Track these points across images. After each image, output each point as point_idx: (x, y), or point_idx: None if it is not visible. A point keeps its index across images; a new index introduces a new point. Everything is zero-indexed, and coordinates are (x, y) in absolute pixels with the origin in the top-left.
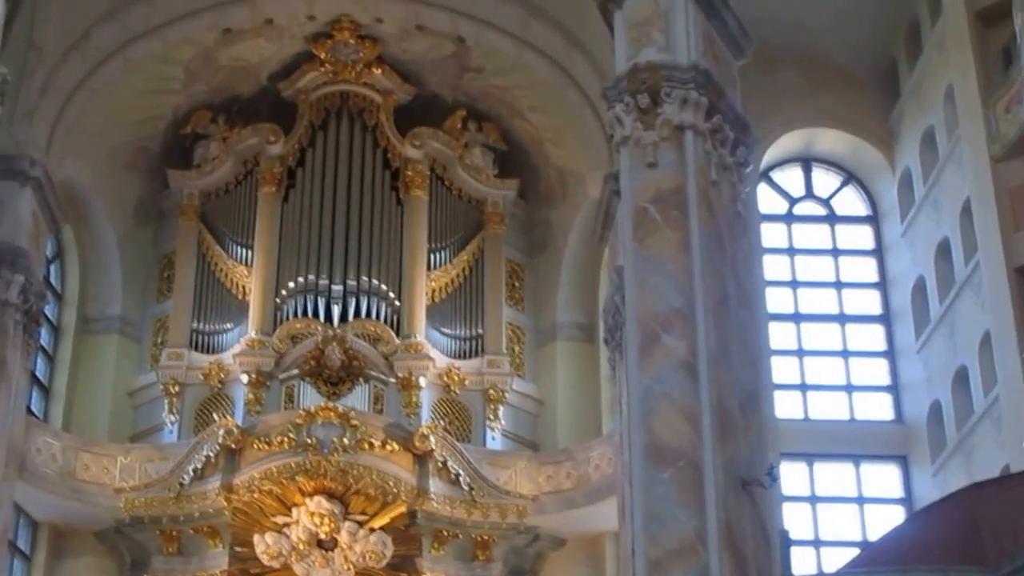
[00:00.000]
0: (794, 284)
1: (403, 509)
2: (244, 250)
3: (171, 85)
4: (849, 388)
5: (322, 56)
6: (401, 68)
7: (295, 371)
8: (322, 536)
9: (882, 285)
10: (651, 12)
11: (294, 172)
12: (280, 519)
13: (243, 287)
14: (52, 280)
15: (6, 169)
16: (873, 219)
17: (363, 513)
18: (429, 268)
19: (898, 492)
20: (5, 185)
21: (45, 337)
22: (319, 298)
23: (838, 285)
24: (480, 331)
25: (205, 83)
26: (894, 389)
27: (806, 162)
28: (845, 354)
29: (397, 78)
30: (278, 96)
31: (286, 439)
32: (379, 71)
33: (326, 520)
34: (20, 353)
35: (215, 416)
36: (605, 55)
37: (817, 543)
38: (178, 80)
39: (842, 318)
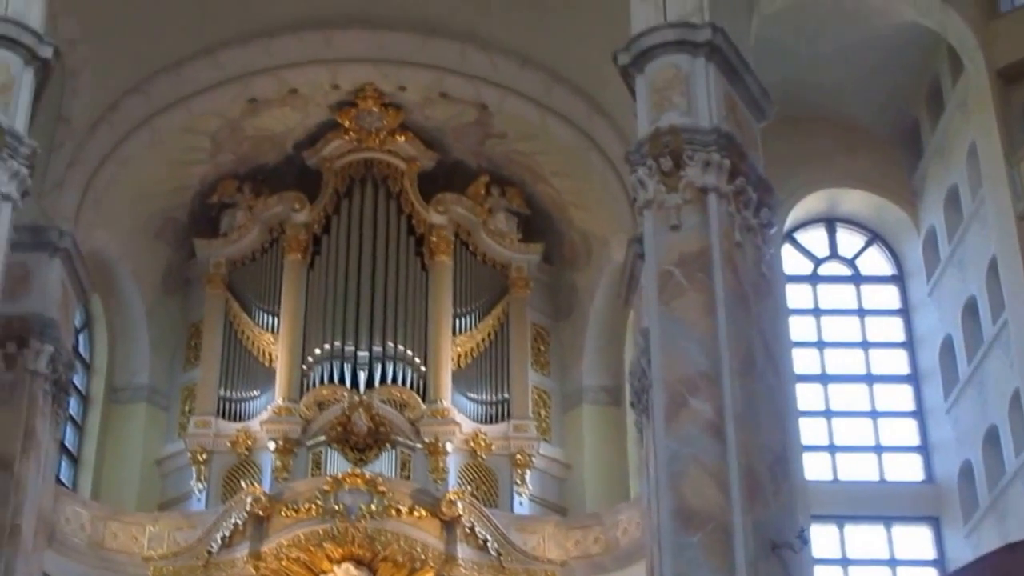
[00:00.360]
0: (820, 345)
1: None
2: (271, 317)
3: (198, 155)
4: (878, 449)
5: (346, 124)
6: (425, 135)
7: (322, 438)
8: None
9: (909, 345)
10: (672, 76)
11: (319, 239)
12: None
13: (270, 354)
14: (81, 350)
15: (36, 240)
16: (899, 279)
17: None
18: (454, 333)
19: (930, 554)
20: (35, 256)
21: (74, 406)
22: (345, 364)
23: (865, 345)
24: (506, 396)
25: (231, 152)
26: (924, 449)
27: (830, 222)
28: (874, 415)
29: (421, 145)
30: (303, 164)
31: (314, 506)
32: (403, 138)
33: None
34: (49, 423)
35: (243, 483)
36: (627, 119)
37: None
38: (204, 150)
39: (870, 378)
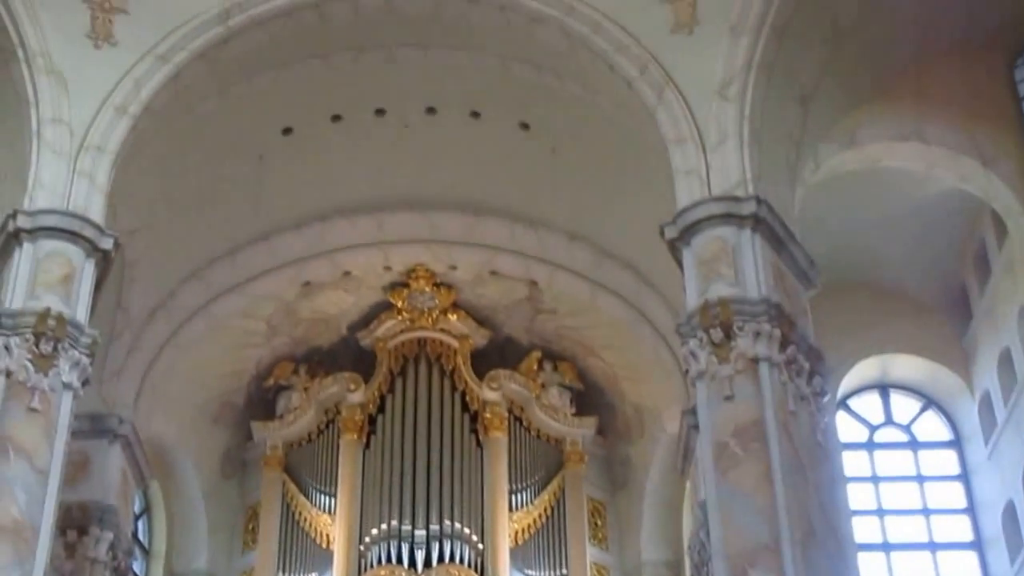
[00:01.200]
0: (880, 512)
1: None
2: (327, 498)
3: (254, 339)
4: None
5: (399, 305)
6: (476, 313)
7: None
8: None
9: (971, 510)
10: (719, 248)
11: (375, 419)
12: None
13: (327, 535)
14: (140, 535)
15: (95, 428)
16: (956, 443)
17: None
18: (511, 509)
19: None
20: (94, 444)
21: None
22: (403, 544)
23: (926, 512)
24: (565, 572)
25: (287, 336)
26: None
27: (883, 389)
28: None
29: (472, 323)
30: (357, 345)
31: None
32: (455, 317)
33: None
34: None
35: None
36: (676, 292)
37: None
38: (260, 334)
39: (932, 546)
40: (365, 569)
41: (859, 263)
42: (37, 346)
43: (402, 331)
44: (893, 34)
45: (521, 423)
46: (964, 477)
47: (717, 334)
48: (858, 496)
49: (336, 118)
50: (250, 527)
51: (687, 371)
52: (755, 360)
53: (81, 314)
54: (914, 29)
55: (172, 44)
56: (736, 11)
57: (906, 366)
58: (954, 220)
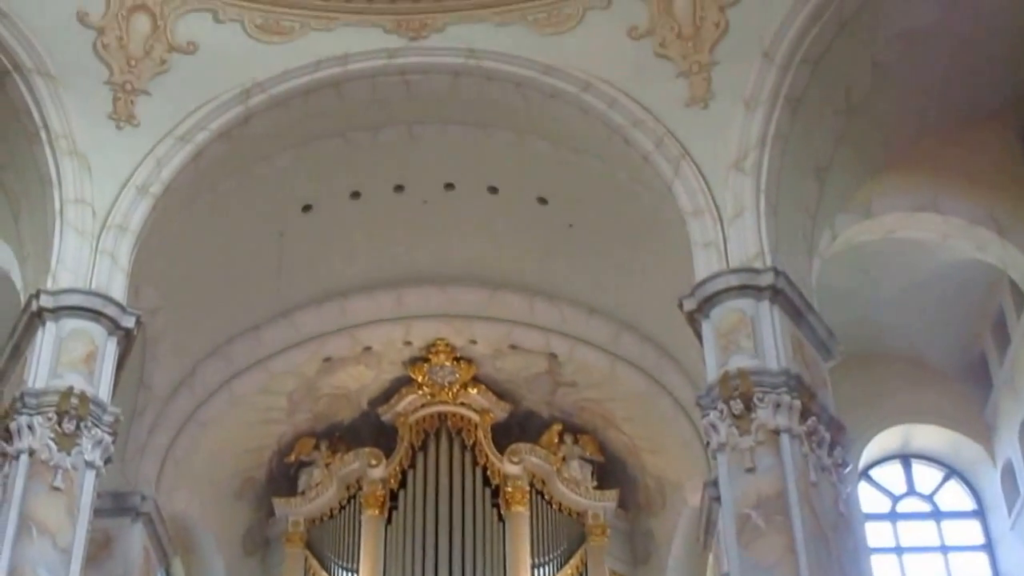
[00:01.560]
0: None
1: None
2: (350, 574)
3: (275, 415)
4: None
5: (419, 379)
6: (496, 386)
7: None
8: None
9: None
10: (738, 320)
11: (396, 494)
12: None
13: None
14: None
15: (118, 506)
16: (980, 513)
17: None
18: None
19: None
20: (117, 522)
21: None
22: None
23: None
24: None
25: (308, 411)
26: None
27: (905, 459)
28: None
29: (493, 396)
30: (378, 420)
31: None
32: (475, 391)
33: None
34: None
35: None
36: (695, 363)
37: None
38: (282, 410)
39: None
40: None
41: (878, 333)
42: (60, 425)
43: (423, 406)
44: (906, 104)
45: (543, 496)
46: (988, 547)
47: (737, 406)
48: (882, 568)
49: (355, 195)
50: None
51: (708, 443)
52: (776, 431)
53: (104, 392)
54: (926, 99)
55: (193, 124)
56: (750, 84)
57: (928, 436)
58: (972, 289)
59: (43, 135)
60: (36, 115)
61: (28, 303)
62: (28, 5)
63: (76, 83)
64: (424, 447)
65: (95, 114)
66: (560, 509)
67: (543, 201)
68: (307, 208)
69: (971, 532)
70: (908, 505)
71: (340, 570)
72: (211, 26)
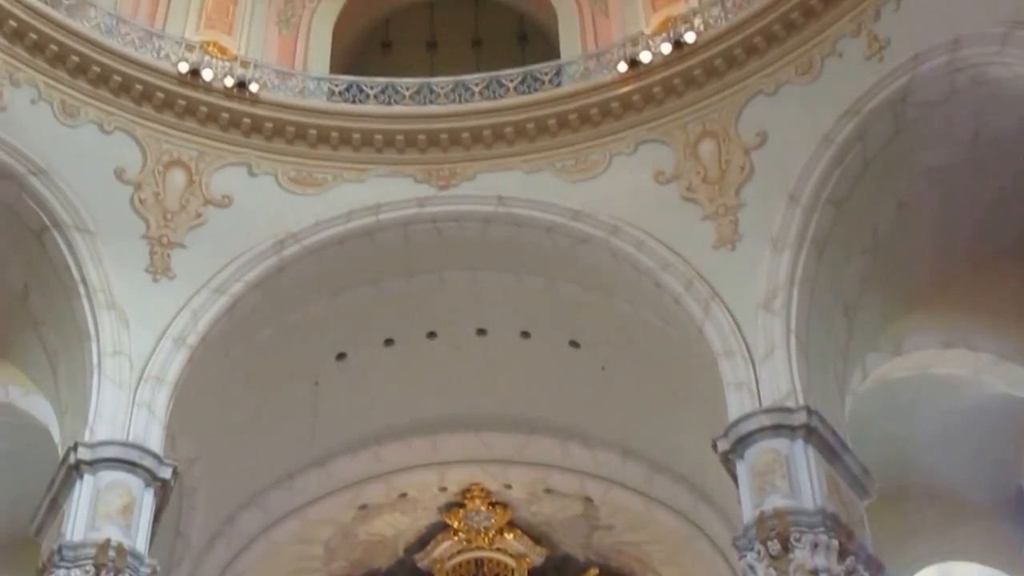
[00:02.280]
0: None
1: None
2: None
3: (312, 563)
4: None
5: (455, 525)
6: (532, 530)
7: None
8: None
9: None
10: (772, 459)
11: None
12: None
13: None
14: None
15: None
16: None
17: None
18: None
19: None
20: None
21: None
22: None
23: None
24: None
25: (344, 559)
26: None
27: None
28: None
29: (529, 541)
30: (415, 567)
31: None
32: (511, 535)
33: None
34: None
35: None
36: (731, 504)
37: None
38: (318, 558)
39: None
40: None
41: (913, 469)
42: None
43: (459, 551)
44: (931, 241)
45: None
46: None
47: (775, 546)
48: None
49: (389, 342)
50: None
51: None
52: (814, 572)
53: (141, 544)
54: (951, 235)
55: (228, 275)
56: (777, 226)
57: (967, 574)
58: (1006, 423)
59: (81, 289)
60: (75, 270)
61: (66, 456)
62: (67, 162)
63: (113, 238)
64: None
65: (132, 268)
66: None
67: (575, 344)
68: (341, 356)
69: None
70: None
71: None
72: (245, 180)
